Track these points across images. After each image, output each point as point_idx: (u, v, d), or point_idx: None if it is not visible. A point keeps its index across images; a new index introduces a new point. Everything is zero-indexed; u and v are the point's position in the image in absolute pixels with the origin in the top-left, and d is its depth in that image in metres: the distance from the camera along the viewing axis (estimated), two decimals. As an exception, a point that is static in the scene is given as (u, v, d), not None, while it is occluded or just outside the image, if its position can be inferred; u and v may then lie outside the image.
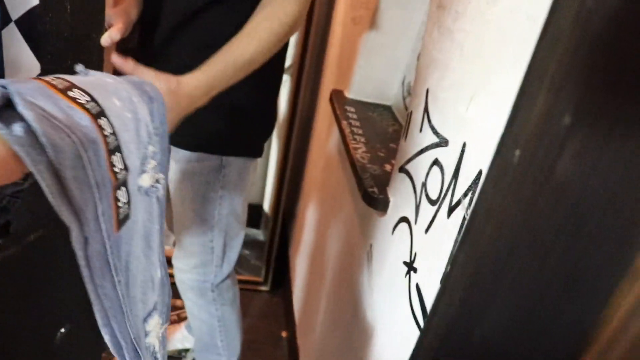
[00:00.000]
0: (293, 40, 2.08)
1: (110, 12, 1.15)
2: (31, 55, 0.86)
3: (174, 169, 1.25)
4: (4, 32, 0.81)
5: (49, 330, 1.15)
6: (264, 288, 2.35)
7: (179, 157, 1.23)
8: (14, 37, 0.83)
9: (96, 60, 0.96)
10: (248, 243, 2.60)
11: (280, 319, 2.18)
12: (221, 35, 1.01)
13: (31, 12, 0.83)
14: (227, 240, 1.40)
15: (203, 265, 1.41)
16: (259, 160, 2.14)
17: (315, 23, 2.03)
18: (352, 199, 1.39)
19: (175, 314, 2.02)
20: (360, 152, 1.25)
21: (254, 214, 2.61)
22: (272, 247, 2.30)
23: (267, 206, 2.62)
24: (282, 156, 2.17)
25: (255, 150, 1.30)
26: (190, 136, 1.18)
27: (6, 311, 1.00)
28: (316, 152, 2.06)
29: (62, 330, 1.17)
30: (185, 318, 1.92)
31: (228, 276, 1.48)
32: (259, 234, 2.70)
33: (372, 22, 1.53)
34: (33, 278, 1.05)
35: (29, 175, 0.56)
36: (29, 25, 0.84)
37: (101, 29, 0.95)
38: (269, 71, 1.08)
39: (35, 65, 0.87)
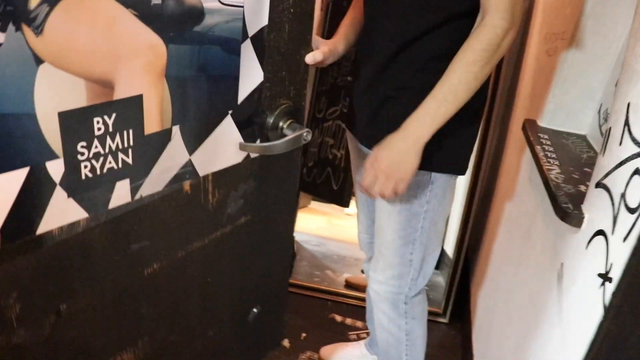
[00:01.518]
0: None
1: (319, 40, 1.31)
2: (259, 66, 1.01)
3: None
4: (242, 45, 0.97)
5: (245, 307, 1.30)
6: (442, 320, 2.33)
7: None
8: (248, 51, 0.98)
9: (302, 73, 1.11)
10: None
11: (457, 350, 2.14)
12: (435, 58, 1.20)
13: (262, 30, 0.99)
14: (426, 254, 1.44)
15: (400, 277, 1.46)
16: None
17: (506, 58, 2.05)
18: (543, 222, 1.37)
19: (355, 334, 2.09)
20: (554, 172, 1.24)
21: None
22: (454, 280, 2.29)
23: (448, 247, 2.61)
24: (469, 192, 2.17)
25: (461, 168, 1.34)
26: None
27: (213, 281, 1.16)
28: (504, 185, 2.05)
29: (255, 310, 1.31)
30: (364, 338, 1.98)
31: (420, 291, 1.52)
32: (438, 275, 2.68)
33: (568, 53, 1.52)
34: (239, 256, 1.20)
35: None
36: (260, 41, 0.99)
37: (308, 48, 1.10)
38: (476, 93, 1.15)
39: (259, 74, 1.02)
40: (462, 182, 2.36)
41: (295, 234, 2.88)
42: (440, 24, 1.18)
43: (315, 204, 3.74)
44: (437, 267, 2.64)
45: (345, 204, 2.75)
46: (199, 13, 0.88)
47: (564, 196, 1.12)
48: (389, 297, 1.50)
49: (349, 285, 2.54)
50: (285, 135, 1.08)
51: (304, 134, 1.06)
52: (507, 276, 1.70)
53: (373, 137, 1.27)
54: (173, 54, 0.87)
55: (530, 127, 1.58)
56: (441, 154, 1.25)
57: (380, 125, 1.28)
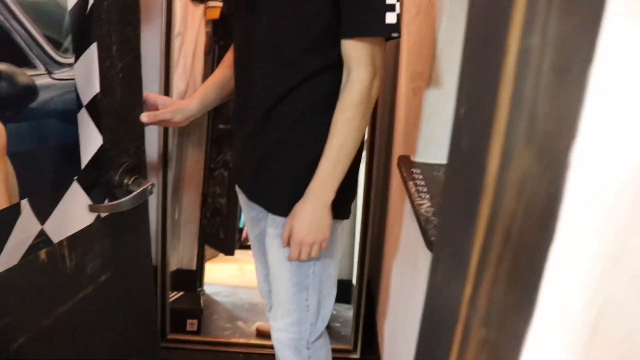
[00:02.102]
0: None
1: (166, 100, 1.41)
2: (96, 131, 1.09)
3: (271, 233, 1.37)
4: (79, 114, 1.04)
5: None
6: (354, 356, 2.36)
7: (277, 222, 1.35)
8: (84, 118, 1.05)
9: (139, 131, 1.20)
10: (338, 317, 2.65)
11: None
12: (309, 109, 1.27)
13: (95, 97, 1.07)
14: (321, 298, 1.47)
15: (299, 324, 1.48)
16: (348, 237, 2.28)
17: (381, 97, 2.19)
18: (423, 252, 1.45)
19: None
20: (424, 207, 1.35)
21: (344, 290, 2.60)
22: (359, 314, 2.33)
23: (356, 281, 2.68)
24: (362, 225, 2.26)
25: (344, 212, 1.40)
26: (287, 203, 1.31)
27: (83, 341, 1.19)
28: (392, 218, 2.16)
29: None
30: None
31: (321, 334, 1.55)
32: (350, 310, 2.66)
33: (428, 91, 1.66)
34: (105, 313, 1.24)
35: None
36: (94, 108, 1.07)
37: (141, 107, 1.20)
38: None
39: (98, 138, 1.10)
40: (357, 217, 2.49)
41: (205, 287, 2.87)
42: (309, 78, 1.24)
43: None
44: (347, 301, 2.70)
45: (230, 252, 2.77)
46: (32, 91, 0.94)
47: (432, 229, 1.23)
48: (290, 344, 1.52)
49: (260, 333, 2.54)
50: (131, 192, 1.15)
51: (149, 188, 1.15)
52: (403, 304, 1.80)
53: (257, 193, 1.36)
54: (12, 132, 0.92)
55: (404, 164, 1.70)
56: None
57: (262, 181, 1.35)
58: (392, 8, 1.12)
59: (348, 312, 2.65)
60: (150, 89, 2.18)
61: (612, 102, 0.35)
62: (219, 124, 2.59)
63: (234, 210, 2.69)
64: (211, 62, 2.52)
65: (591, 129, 0.35)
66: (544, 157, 0.37)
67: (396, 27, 1.14)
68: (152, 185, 1.16)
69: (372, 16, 1.14)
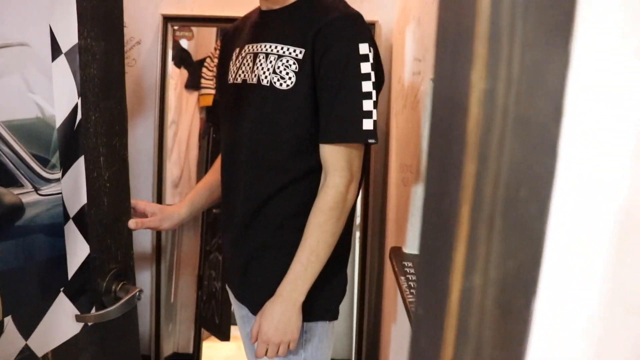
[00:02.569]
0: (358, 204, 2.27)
1: (154, 207, 1.44)
2: (83, 241, 1.10)
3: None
4: (66, 226, 1.05)
5: None
6: None
7: None
8: (72, 230, 1.07)
9: (126, 238, 1.21)
10: None
11: None
12: (290, 216, 1.29)
13: (82, 208, 1.08)
14: None
15: None
16: (347, 317, 2.26)
17: (373, 184, 2.23)
18: None
19: None
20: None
21: None
22: None
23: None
24: (358, 307, 2.27)
25: (332, 314, 1.38)
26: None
27: None
28: (388, 308, 2.16)
29: None
30: None
31: None
32: None
33: (416, 183, 1.67)
34: None
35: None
36: (81, 218, 1.08)
37: (128, 215, 1.21)
38: (337, 244, 1.26)
39: (85, 247, 1.10)
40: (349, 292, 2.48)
41: None
42: (289, 183, 1.26)
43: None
44: None
45: (225, 337, 2.74)
46: (19, 209, 0.96)
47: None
48: None
49: None
50: (119, 298, 1.15)
51: (137, 294, 1.15)
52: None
53: (244, 295, 1.37)
54: (-3, 251, 0.93)
55: (395, 256, 1.70)
56: (312, 305, 1.30)
57: (249, 283, 1.36)
58: (369, 115, 1.16)
59: None
60: (144, 179, 2.22)
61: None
62: (213, 209, 2.61)
63: (228, 294, 2.66)
64: (206, 146, 2.56)
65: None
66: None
67: (373, 133, 1.16)
68: (140, 291, 1.16)
69: (349, 122, 1.17)
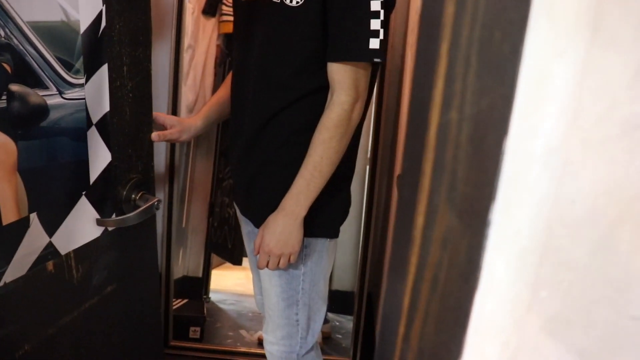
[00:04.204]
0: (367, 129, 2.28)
1: (173, 119, 1.47)
2: (105, 148, 1.13)
3: None
4: (88, 132, 1.08)
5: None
6: None
7: None
8: (94, 136, 1.09)
9: (147, 148, 1.23)
10: (340, 329, 2.66)
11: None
12: (295, 132, 1.31)
13: (105, 116, 1.11)
14: (311, 313, 1.51)
15: (289, 337, 1.52)
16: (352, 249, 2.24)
17: (385, 114, 2.23)
18: None
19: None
20: None
21: (347, 301, 2.64)
22: (359, 325, 2.34)
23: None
24: (364, 239, 2.29)
25: (332, 231, 1.42)
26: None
27: (87, 351, 1.22)
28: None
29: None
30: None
31: (312, 348, 1.57)
32: (350, 321, 2.64)
33: None
34: (110, 323, 1.27)
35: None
36: (103, 126, 1.11)
37: (150, 126, 1.23)
38: (341, 163, 1.29)
39: (107, 155, 1.13)
40: (360, 230, 2.52)
41: (210, 295, 2.89)
42: (295, 101, 1.28)
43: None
44: (349, 313, 2.66)
45: (237, 261, 2.80)
46: (44, 110, 0.98)
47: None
48: (282, 357, 1.55)
49: (262, 343, 2.53)
50: (138, 207, 1.19)
51: (155, 204, 1.19)
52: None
53: (249, 209, 1.41)
54: (23, 149, 0.96)
55: (401, 182, 1.72)
56: (313, 221, 1.34)
57: (253, 198, 1.39)
58: (376, 34, 1.15)
59: (350, 323, 2.64)
60: (159, 101, 2.23)
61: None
62: (228, 137, 2.62)
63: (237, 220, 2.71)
64: (222, 74, 2.56)
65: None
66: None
67: (379, 52, 1.17)
68: (159, 201, 1.20)
69: (355, 41, 1.17)
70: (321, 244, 1.41)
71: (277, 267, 1.31)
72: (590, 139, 0.39)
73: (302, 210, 1.27)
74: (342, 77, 1.21)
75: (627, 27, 0.37)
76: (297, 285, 1.44)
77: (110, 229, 1.20)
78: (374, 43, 1.16)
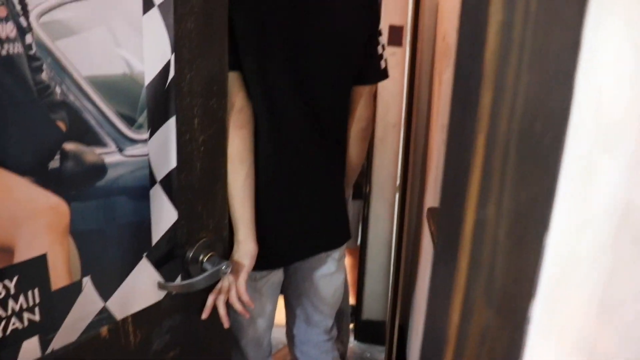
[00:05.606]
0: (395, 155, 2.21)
1: None
2: (171, 206, 1.04)
3: None
4: (152, 190, 1.00)
5: None
6: None
7: None
8: (158, 194, 1.01)
9: (219, 206, 1.13)
10: (370, 359, 2.62)
11: None
12: None
13: (170, 173, 1.02)
14: (239, 337, 1.51)
15: None
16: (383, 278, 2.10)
17: (414, 146, 2.11)
18: None
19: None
20: None
21: (378, 331, 2.60)
22: (390, 357, 2.27)
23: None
24: (394, 267, 2.20)
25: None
26: None
27: None
28: (424, 264, 2.07)
29: None
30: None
31: None
32: (382, 352, 2.61)
33: None
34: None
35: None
36: (169, 183, 1.02)
37: (223, 181, 1.14)
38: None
39: (173, 213, 1.05)
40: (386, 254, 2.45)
41: (273, 330, 2.82)
42: None
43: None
44: (380, 343, 2.62)
45: None
46: (100, 169, 0.91)
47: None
48: None
49: None
50: (205, 270, 1.10)
51: (223, 268, 1.08)
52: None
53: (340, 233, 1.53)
54: (77, 210, 0.89)
55: (433, 216, 1.63)
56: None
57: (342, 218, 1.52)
58: None
59: (382, 354, 2.59)
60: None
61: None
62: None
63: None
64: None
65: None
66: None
67: None
68: (228, 264, 1.10)
69: None
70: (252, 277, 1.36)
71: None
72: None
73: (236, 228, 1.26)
74: None
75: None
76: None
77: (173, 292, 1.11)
78: None
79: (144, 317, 1.07)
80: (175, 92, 0.99)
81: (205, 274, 1.07)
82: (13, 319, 0.85)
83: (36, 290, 0.87)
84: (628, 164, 0.35)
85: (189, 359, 1.20)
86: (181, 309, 1.14)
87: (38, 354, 0.90)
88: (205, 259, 1.11)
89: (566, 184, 0.36)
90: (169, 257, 1.07)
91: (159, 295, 1.08)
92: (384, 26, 2.23)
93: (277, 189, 1.31)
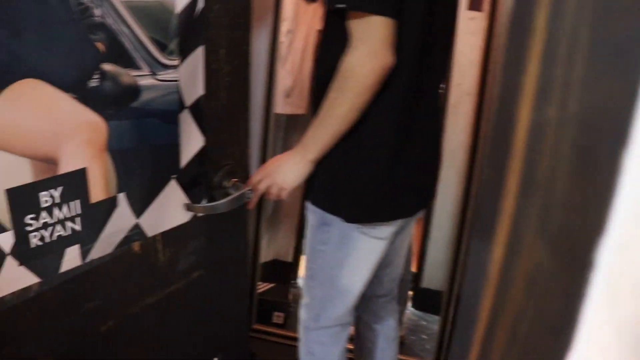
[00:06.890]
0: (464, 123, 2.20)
1: None
2: (198, 132, 1.10)
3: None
4: (181, 115, 1.06)
5: (204, 357, 1.35)
6: None
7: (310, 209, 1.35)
8: (187, 119, 1.07)
9: (243, 136, 1.20)
10: (425, 329, 2.55)
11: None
12: None
13: (198, 100, 1.08)
14: (325, 298, 1.44)
15: (307, 307, 1.48)
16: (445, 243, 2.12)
17: (487, 101, 2.09)
18: None
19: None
20: None
21: (436, 300, 2.48)
22: (445, 328, 2.18)
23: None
24: (457, 236, 2.13)
25: (349, 213, 1.27)
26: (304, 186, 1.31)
27: (169, 334, 1.22)
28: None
29: (215, 359, 1.37)
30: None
31: (324, 328, 1.49)
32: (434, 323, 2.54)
33: None
34: (194, 309, 1.26)
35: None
36: (197, 109, 1.08)
37: (247, 112, 1.20)
38: (366, 129, 1.19)
39: (200, 139, 1.11)
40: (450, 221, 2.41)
41: (299, 280, 2.80)
42: None
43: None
44: (436, 312, 2.50)
45: None
46: (135, 91, 0.97)
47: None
48: (300, 321, 1.53)
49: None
50: (229, 194, 1.16)
51: (246, 193, 1.15)
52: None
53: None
54: (113, 129, 0.95)
55: None
56: (332, 194, 1.27)
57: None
58: None
59: (436, 324, 2.44)
60: (255, 85, 2.20)
61: None
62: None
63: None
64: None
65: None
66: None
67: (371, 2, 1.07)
68: (251, 190, 1.17)
69: None
70: (341, 229, 1.28)
71: (264, 192, 1.25)
72: None
73: (309, 152, 1.20)
74: (348, 29, 1.11)
75: None
76: (317, 259, 1.38)
77: (200, 214, 1.18)
78: None
79: (171, 236, 1.14)
80: (203, 22, 1.04)
81: (230, 197, 1.14)
82: (58, 227, 0.92)
83: (77, 202, 0.94)
84: None
85: (211, 281, 1.28)
86: (206, 232, 1.22)
87: (79, 261, 0.97)
88: (230, 184, 1.18)
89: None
90: (196, 181, 1.14)
91: (187, 216, 1.15)
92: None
93: (408, 145, 1.28)
